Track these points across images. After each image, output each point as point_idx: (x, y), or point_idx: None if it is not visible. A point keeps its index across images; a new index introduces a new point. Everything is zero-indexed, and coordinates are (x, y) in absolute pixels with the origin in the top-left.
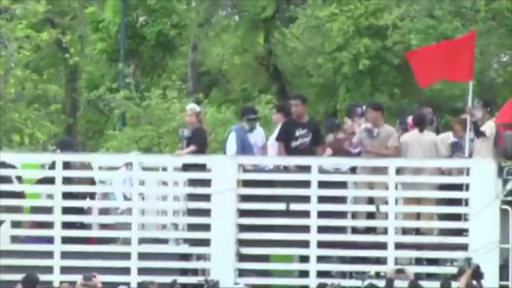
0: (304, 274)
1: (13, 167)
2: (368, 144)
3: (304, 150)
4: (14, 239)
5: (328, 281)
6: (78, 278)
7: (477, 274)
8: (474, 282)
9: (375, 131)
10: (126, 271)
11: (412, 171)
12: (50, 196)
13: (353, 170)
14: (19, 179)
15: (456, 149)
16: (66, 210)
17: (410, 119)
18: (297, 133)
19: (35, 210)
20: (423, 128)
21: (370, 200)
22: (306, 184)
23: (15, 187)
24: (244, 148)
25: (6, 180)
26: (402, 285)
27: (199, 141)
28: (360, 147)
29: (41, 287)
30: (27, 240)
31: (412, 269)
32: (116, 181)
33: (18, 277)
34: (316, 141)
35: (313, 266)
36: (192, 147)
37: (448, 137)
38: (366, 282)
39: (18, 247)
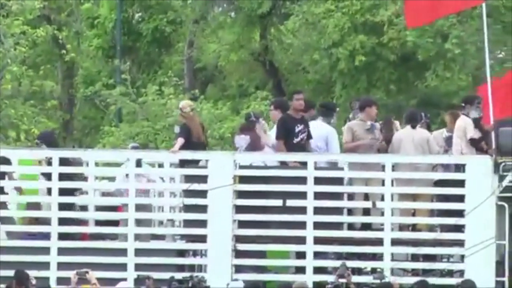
0: (300, 270)
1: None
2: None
3: (304, 145)
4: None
5: (328, 278)
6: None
7: None
8: None
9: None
10: (122, 267)
11: (405, 167)
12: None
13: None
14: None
15: (450, 143)
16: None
17: None
18: (297, 129)
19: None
20: (415, 124)
21: (366, 196)
22: (302, 180)
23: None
24: None
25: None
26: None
27: (183, 134)
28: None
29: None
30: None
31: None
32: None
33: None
34: (310, 136)
35: (309, 263)
36: (179, 140)
37: (442, 133)
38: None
39: (14, 243)
